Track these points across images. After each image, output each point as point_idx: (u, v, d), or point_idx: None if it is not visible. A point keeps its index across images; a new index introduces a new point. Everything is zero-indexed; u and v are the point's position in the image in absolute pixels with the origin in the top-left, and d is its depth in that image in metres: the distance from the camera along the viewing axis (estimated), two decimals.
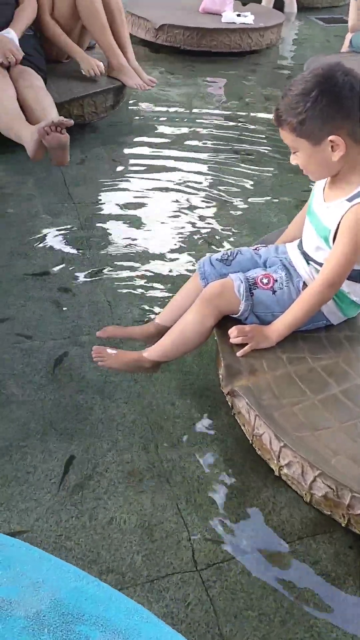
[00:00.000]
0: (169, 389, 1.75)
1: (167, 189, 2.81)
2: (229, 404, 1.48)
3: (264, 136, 3.38)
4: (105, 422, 1.63)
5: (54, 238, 2.40)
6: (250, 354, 1.46)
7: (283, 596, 1.27)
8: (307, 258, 1.52)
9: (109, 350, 1.64)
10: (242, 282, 1.49)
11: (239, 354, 1.46)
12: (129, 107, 3.63)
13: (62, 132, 2.45)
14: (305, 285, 1.51)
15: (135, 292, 2.13)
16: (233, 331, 1.48)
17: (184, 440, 1.60)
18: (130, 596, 1.26)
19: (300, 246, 1.56)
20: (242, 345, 1.48)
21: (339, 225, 1.39)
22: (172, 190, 2.80)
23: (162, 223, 2.56)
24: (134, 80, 3.23)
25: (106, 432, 1.61)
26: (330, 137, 1.32)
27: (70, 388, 1.73)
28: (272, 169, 3.05)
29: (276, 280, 1.51)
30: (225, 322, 1.54)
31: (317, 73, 1.32)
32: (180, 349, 1.58)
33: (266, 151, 3.22)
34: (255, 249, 1.65)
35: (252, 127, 3.49)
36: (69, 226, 2.48)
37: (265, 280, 1.51)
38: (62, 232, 2.45)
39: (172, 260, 2.31)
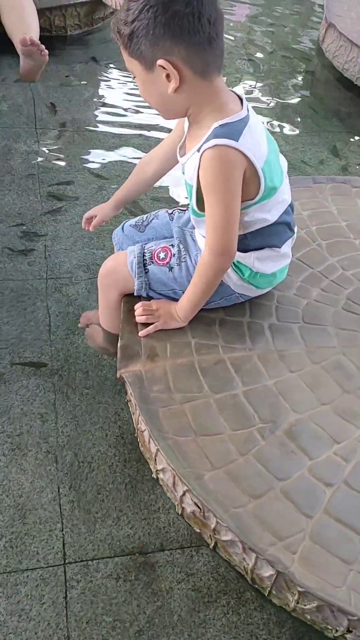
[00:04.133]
0: (86, 356, 1.59)
1: (151, 127, 2.53)
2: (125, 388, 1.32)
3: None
4: (4, 384, 1.50)
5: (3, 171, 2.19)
6: (157, 334, 1.28)
7: (147, 605, 1.16)
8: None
9: (89, 329, 1.58)
10: (134, 257, 1.29)
11: (140, 334, 1.28)
12: None
13: (42, 53, 2.19)
14: None
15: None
16: (138, 307, 1.30)
17: (87, 414, 1.46)
18: None
19: None
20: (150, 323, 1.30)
21: (199, 182, 1.13)
22: (155, 130, 2.53)
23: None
24: None
25: (2, 395, 1.47)
26: (159, 61, 1.04)
27: None
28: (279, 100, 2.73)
29: (174, 255, 1.29)
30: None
31: None
32: (110, 327, 1.42)
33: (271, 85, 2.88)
34: (172, 213, 1.41)
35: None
36: (26, 156, 2.26)
37: (162, 255, 1.29)
38: (19, 163, 2.23)
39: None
